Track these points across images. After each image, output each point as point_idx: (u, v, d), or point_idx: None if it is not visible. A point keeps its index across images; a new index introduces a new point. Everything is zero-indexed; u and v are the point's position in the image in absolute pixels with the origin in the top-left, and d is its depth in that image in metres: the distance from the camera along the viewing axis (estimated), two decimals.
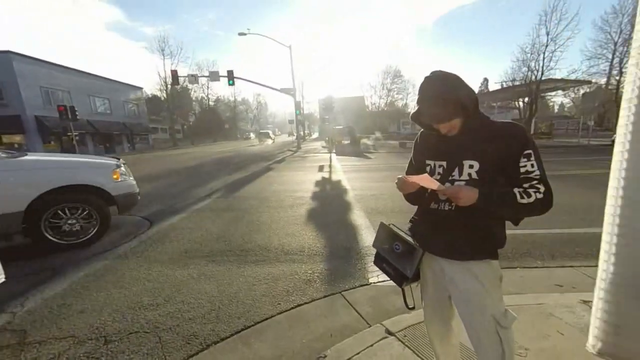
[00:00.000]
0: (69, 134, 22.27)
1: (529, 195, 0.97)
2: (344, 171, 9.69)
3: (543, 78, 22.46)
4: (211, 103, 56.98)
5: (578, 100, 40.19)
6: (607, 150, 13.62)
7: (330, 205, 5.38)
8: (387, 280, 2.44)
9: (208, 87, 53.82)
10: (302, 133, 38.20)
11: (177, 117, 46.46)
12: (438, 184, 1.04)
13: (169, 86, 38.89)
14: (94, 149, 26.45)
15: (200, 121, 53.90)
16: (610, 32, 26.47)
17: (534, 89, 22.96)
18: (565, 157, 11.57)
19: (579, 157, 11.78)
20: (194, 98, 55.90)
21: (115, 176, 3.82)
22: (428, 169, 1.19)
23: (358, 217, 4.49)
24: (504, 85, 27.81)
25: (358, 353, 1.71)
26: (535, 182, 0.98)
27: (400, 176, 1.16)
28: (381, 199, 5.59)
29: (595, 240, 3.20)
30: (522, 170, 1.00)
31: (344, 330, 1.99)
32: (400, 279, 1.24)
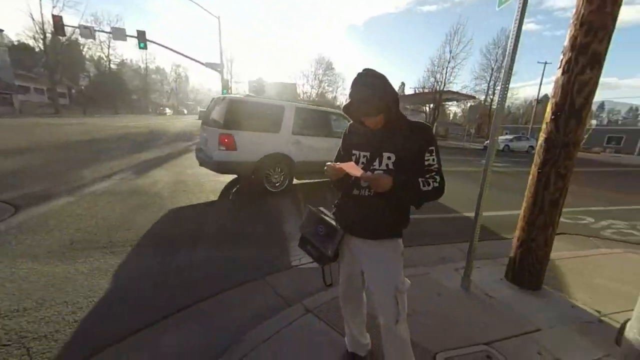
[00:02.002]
0: None
1: (429, 184, 1.16)
2: None
3: (445, 89, 26.78)
4: (113, 66, 46.93)
5: (466, 111, 49.65)
6: (481, 153, 17.55)
7: (252, 188, 5.25)
8: (309, 263, 2.59)
9: (109, 46, 44.07)
10: None
11: (61, 77, 36.57)
12: (362, 171, 1.15)
13: (48, 35, 30.14)
14: None
15: (97, 86, 43.91)
16: (490, 60, 33.30)
17: (437, 97, 27.20)
18: (454, 157, 14.19)
19: (463, 157, 14.60)
20: (87, 56, 44.99)
21: None
22: (354, 158, 1.31)
23: (289, 203, 4.53)
24: (416, 91, 32.01)
25: (278, 331, 1.76)
26: (434, 173, 1.19)
27: (329, 163, 1.24)
28: (316, 185, 5.76)
29: (468, 222, 4.13)
30: (426, 163, 1.19)
31: (265, 313, 2.02)
32: (322, 258, 1.35)
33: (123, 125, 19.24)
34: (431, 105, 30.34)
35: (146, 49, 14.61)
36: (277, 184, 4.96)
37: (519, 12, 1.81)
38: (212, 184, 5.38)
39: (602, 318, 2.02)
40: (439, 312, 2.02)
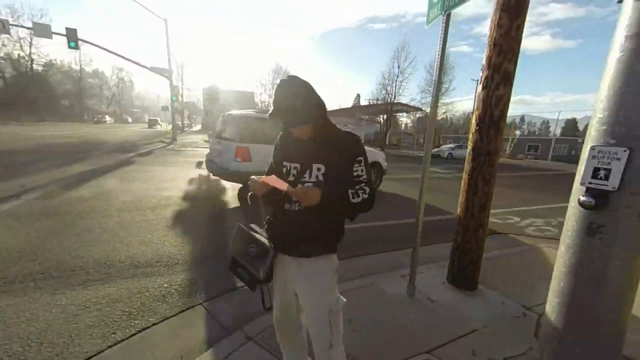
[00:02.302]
0: None
1: (359, 196, 1.12)
2: None
3: (395, 101, 28.72)
4: (38, 67, 41.06)
5: (415, 122, 53.83)
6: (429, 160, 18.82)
7: (204, 206, 4.88)
8: None
9: (31, 44, 38.54)
10: (179, 123, 33.33)
11: None
12: (287, 185, 1.06)
13: None
14: None
15: (16, 90, 37.90)
16: (433, 75, 36.80)
17: (389, 109, 29.02)
18: (405, 164, 15.11)
19: (412, 164, 15.65)
20: (2, 54, 38.74)
21: None
22: (284, 170, 1.23)
23: (234, 219, 4.27)
24: (371, 102, 33.78)
25: None
26: (363, 184, 1.15)
27: (253, 177, 1.14)
28: None
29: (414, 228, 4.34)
30: (355, 174, 1.15)
31: (201, 346, 1.80)
32: (253, 281, 1.23)
33: (48, 135, 16.74)
34: (384, 116, 32.20)
35: (77, 48, 13.04)
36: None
37: (443, 31, 1.95)
38: (153, 200, 4.86)
39: (526, 312, 2.20)
40: (384, 323, 2.01)
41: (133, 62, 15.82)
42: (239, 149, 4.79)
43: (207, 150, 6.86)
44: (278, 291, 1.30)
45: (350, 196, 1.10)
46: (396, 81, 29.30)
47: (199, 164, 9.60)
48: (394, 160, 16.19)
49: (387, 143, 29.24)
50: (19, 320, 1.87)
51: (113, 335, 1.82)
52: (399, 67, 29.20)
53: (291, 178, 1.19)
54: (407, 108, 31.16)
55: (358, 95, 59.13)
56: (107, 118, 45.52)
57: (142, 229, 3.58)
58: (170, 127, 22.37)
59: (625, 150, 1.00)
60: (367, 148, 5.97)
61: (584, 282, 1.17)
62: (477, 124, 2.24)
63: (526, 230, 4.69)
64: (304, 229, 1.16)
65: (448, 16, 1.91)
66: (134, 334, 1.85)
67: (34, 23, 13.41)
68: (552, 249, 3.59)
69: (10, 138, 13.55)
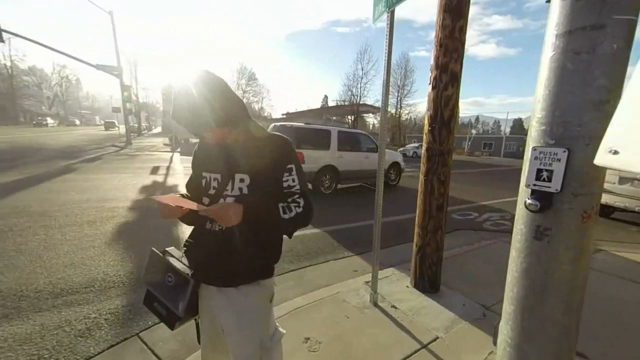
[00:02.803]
0: None
1: (291, 210, 0.95)
2: (186, 174, 8.47)
3: (361, 102, 29.40)
4: None
5: None
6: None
7: (154, 217, 4.42)
8: None
9: None
10: (135, 125, 30.82)
11: None
12: (194, 204, 0.86)
13: None
14: None
15: None
16: (396, 78, 38.25)
17: (355, 109, 29.62)
18: None
19: None
20: None
21: None
22: (204, 182, 1.04)
23: (188, 230, 3.90)
24: (338, 104, 34.20)
25: None
26: (296, 196, 0.98)
27: (155, 197, 0.91)
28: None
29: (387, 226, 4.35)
30: (285, 184, 0.98)
31: None
32: (172, 318, 1.01)
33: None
34: (352, 117, 32.77)
35: (2, 41, 11.37)
36: (327, 188, 6.71)
37: (388, 28, 1.88)
38: (93, 213, 4.29)
39: (486, 312, 2.22)
40: (345, 339, 1.87)
41: (75, 58, 14.24)
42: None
43: (166, 155, 6.38)
44: (204, 327, 1.09)
45: (281, 211, 0.93)
46: (361, 83, 30.13)
47: (154, 170, 8.87)
48: None
49: None
50: None
51: None
52: (362, 69, 30.02)
53: (212, 191, 1.00)
54: (372, 109, 32.04)
55: (326, 97, 59.65)
56: (50, 120, 40.57)
57: (73, 247, 3.10)
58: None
59: (564, 151, 0.96)
60: (387, 150, 5.98)
61: (535, 287, 1.13)
62: (430, 125, 2.22)
63: (484, 225, 4.92)
64: (228, 254, 0.97)
65: (392, 13, 1.85)
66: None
67: None
68: (508, 244, 3.77)
69: None
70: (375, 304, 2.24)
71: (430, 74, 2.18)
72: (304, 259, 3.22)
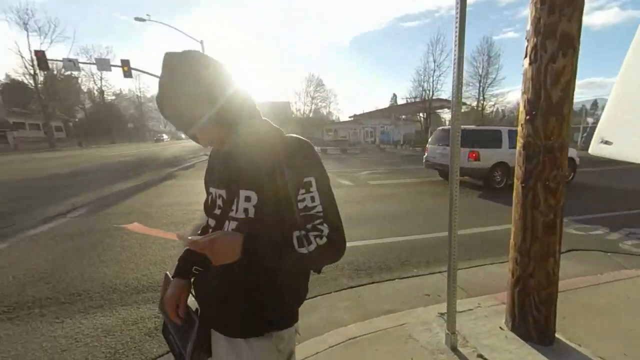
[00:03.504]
0: None
1: (309, 242, 0.68)
2: None
3: (433, 97, 26.85)
4: (108, 97, 47.84)
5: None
6: None
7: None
8: None
9: (101, 78, 45.04)
10: None
11: (55, 111, 36.89)
12: (169, 234, 0.65)
13: (40, 72, 30.65)
14: None
15: (93, 118, 44.62)
16: (477, 67, 33.53)
17: (427, 106, 27.21)
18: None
19: None
20: (85, 90, 46.05)
21: None
22: (210, 199, 0.86)
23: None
24: (408, 101, 32.11)
25: None
26: (318, 221, 0.71)
27: (118, 225, 0.76)
28: None
29: (480, 237, 3.61)
30: (301, 206, 0.71)
31: None
32: (182, 359, 0.86)
33: (113, 155, 19.08)
34: (424, 114, 30.32)
35: (131, 77, 14.62)
36: (499, 182, 7.30)
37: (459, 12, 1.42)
38: (179, 215, 4.90)
39: None
40: None
41: None
42: (470, 152, 7.04)
43: None
44: None
45: (296, 243, 0.67)
46: (433, 76, 27.52)
47: None
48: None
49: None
50: (8, 356, 1.79)
51: None
52: (434, 61, 27.42)
53: (217, 211, 0.81)
54: (447, 104, 28.88)
55: (394, 96, 57.03)
56: (164, 136, 50.83)
57: (159, 246, 3.52)
58: None
59: None
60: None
61: None
62: (528, 112, 1.62)
63: (621, 245, 3.62)
64: (231, 295, 0.76)
65: None
66: None
67: (96, 59, 15.47)
68: None
69: (85, 159, 15.64)
70: (454, 349, 1.75)
71: (526, 44, 1.60)
72: (364, 275, 2.88)
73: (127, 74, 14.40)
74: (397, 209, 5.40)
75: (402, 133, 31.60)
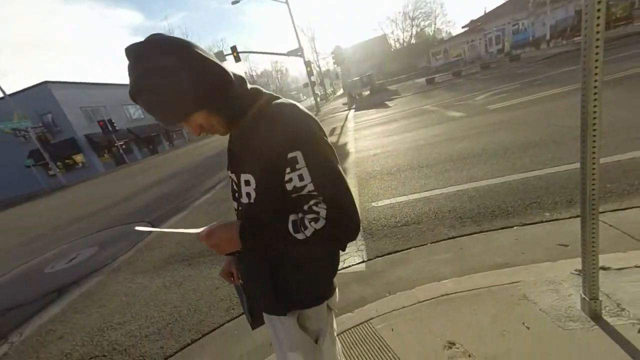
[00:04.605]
0: (115, 144, 24.91)
1: (304, 227, 0.61)
2: (355, 129, 9.02)
3: None
4: None
5: None
6: None
7: None
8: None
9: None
10: (324, 93, 36.42)
11: None
12: (193, 230, 0.70)
13: None
14: (139, 153, 29.19)
15: None
16: None
17: None
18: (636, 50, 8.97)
19: None
20: None
21: None
22: (231, 182, 0.87)
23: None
24: None
25: None
26: (312, 202, 0.62)
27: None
28: (381, 157, 5.06)
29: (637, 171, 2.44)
30: (289, 187, 0.63)
31: None
32: (248, 320, 1.01)
33: None
34: None
35: (240, 60, 16.63)
36: None
37: None
38: None
39: None
40: None
41: (274, 54, 18.46)
42: None
43: (343, 115, 6.95)
44: None
45: (292, 228, 0.62)
46: None
47: (331, 132, 10.10)
48: (630, 45, 10.18)
49: (606, 19, 18.35)
50: (189, 289, 2.67)
51: (232, 311, 2.22)
52: None
53: (236, 195, 0.81)
54: None
55: None
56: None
57: None
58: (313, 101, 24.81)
59: None
60: None
61: None
62: None
63: None
64: (252, 277, 0.81)
65: None
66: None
67: (214, 54, 18.28)
68: None
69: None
70: (596, 317, 1.29)
71: None
72: (470, 223, 2.46)
73: (237, 58, 16.49)
74: (523, 136, 4.12)
75: (550, 23, 22.46)
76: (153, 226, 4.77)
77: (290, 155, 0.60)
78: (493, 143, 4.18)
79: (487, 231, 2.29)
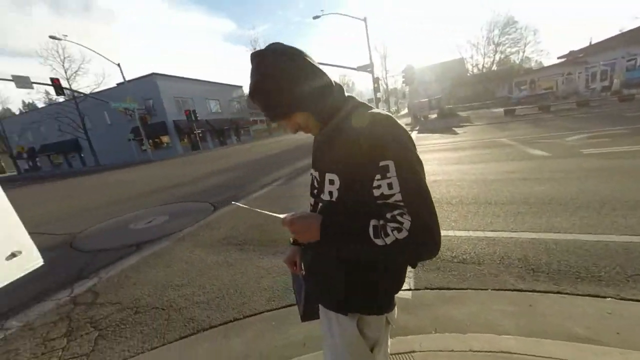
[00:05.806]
0: (194, 132, 28.51)
1: (386, 234, 0.63)
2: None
3: None
4: None
5: None
6: None
7: None
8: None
9: None
10: (388, 110, 35.97)
11: None
12: (278, 215, 0.79)
13: None
14: (211, 143, 32.74)
15: None
16: None
17: None
18: None
19: None
20: None
21: None
22: (311, 179, 0.95)
23: None
24: None
25: None
26: (397, 212, 0.63)
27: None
28: (442, 185, 4.76)
29: None
30: (377, 193, 0.66)
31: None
32: (300, 313, 1.06)
33: (306, 137, 24.34)
34: None
35: None
36: None
37: None
38: None
39: None
40: None
41: (344, 67, 19.01)
42: None
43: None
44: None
45: (372, 232, 0.64)
46: None
47: None
48: None
49: None
50: (238, 271, 2.87)
51: (272, 302, 2.32)
52: None
53: (315, 192, 0.88)
54: None
55: None
56: None
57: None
58: None
59: None
60: None
61: None
62: None
63: None
64: (316, 271, 0.85)
65: None
66: (284, 307, 2.24)
67: None
68: None
69: (290, 142, 21.06)
70: None
71: None
72: (545, 279, 2.14)
73: None
74: (629, 191, 3.44)
75: None
76: (215, 208, 5.29)
77: (382, 163, 0.64)
78: (585, 192, 3.58)
79: (567, 294, 1.96)
